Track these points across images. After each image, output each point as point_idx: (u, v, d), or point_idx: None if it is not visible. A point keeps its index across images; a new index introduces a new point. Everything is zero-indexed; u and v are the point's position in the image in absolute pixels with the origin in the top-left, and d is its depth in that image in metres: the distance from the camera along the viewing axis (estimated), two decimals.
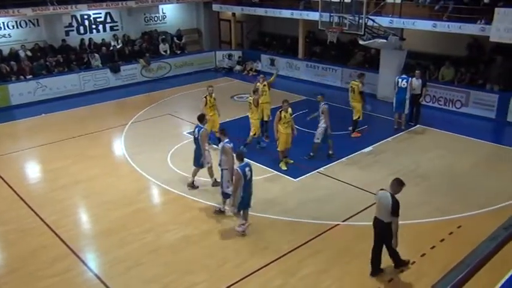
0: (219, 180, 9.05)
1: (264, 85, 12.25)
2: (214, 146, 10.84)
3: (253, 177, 8.01)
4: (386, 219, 6.51)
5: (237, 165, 7.85)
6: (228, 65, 21.47)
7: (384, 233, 6.67)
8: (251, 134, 11.45)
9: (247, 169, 7.80)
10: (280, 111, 10.34)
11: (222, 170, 8.56)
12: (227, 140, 8.55)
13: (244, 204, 8.02)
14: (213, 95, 11.55)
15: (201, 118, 9.73)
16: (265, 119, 12.30)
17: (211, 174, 9.83)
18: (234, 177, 7.86)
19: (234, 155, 8.13)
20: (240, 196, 7.85)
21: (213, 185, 9.77)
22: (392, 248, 6.76)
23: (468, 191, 9.62)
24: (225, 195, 8.61)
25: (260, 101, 11.59)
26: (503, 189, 9.52)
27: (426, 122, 13.64)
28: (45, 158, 12.04)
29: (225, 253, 7.65)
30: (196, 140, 9.50)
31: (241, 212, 8.14)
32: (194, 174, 9.80)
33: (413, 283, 6.83)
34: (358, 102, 12.58)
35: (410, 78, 12.89)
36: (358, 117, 12.70)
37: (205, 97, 11.43)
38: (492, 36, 12.69)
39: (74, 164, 11.34)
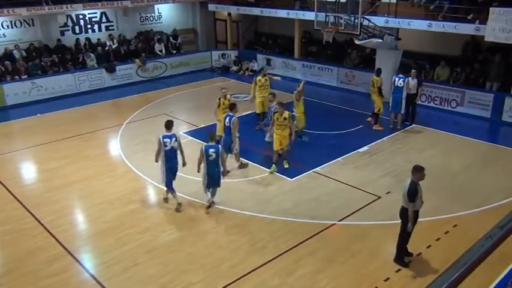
0: (244, 162, 10.66)
1: (266, 79, 12.92)
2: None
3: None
4: (404, 203, 6.83)
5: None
6: (222, 64, 21.46)
7: (402, 217, 6.97)
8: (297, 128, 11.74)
9: (211, 150, 8.46)
10: (274, 113, 10.34)
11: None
12: (169, 134, 8.72)
13: (210, 183, 8.74)
14: (228, 96, 11.45)
15: (232, 107, 10.24)
16: (266, 110, 12.90)
17: (237, 159, 10.64)
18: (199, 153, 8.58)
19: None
20: (206, 174, 8.57)
21: (239, 168, 10.61)
22: (403, 238, 7.01)
23: (464, 190, 9.65)
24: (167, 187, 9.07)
25: (262, 95, 12.63)
26: (498, 188, 9.56)
27: (422, 121, 13.67)
28: (41, 158, 11.98)
29: (222, 253, 7.65)
30: (228, 129, 9.95)
31: (210, 190, 8.88)
32: (223, 161, 9.86)
33: (409, 282, 6.84)
34: (378, 96, 12.88)
35: (407, 78, 12.91)
36: (379, 110, 13.03)
37: (219, 99, 11.32)
38: (487, 36, 12.72)
39: (70, 164, 11.30)
